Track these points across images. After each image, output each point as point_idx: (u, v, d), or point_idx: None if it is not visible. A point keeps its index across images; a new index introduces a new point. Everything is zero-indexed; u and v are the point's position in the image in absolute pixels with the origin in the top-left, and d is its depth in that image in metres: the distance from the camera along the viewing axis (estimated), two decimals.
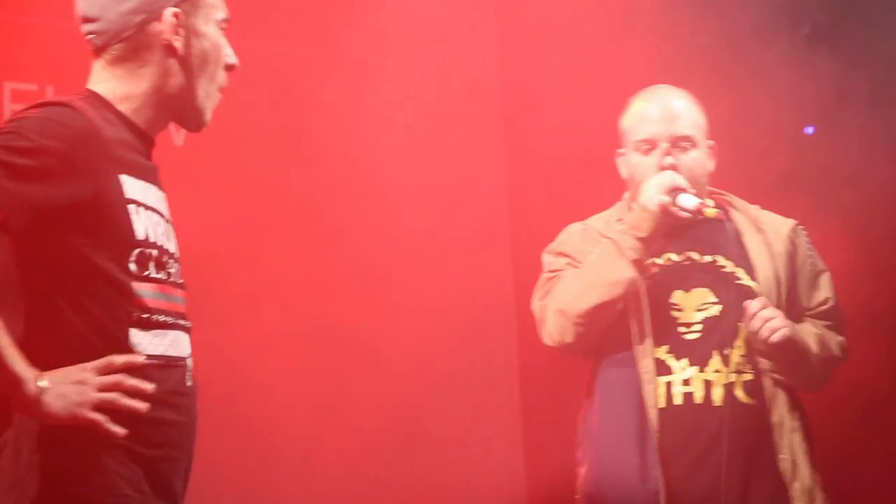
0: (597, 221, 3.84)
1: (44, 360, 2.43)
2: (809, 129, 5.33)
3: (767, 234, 3.76)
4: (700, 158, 3.74)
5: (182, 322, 2.62)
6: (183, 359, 2.60)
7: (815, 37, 5.26)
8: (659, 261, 3.72)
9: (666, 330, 3.66)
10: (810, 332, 3.72)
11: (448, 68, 5.81)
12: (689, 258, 3.73)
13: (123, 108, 2.61)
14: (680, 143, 3.72)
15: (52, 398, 2.40)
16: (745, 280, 3.69)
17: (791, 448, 3.63)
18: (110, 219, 2.50)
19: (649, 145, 3.73)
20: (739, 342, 3.65)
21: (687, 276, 3.71)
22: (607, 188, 3.95)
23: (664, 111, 3.74)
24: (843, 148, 5.15)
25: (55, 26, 4.72)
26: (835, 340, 3.77)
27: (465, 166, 5.76)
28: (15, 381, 2.38)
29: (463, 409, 5.64)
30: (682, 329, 3.67)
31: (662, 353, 3.66)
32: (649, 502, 3.57)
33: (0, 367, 2.36)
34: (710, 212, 3.61)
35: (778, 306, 3.66)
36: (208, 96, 2.68)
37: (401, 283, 5.50)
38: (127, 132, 2.60)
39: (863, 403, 4.98)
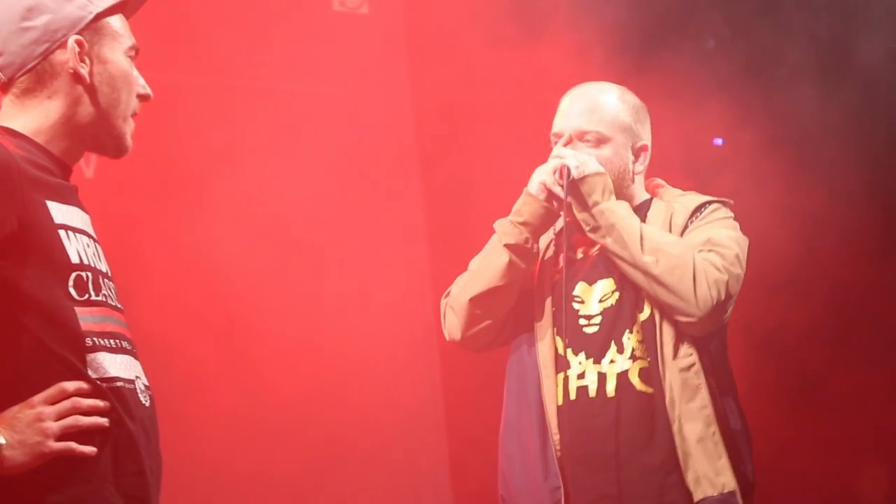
0: None
1: (8, 399, 2.42)
2: (718, 141, 5.42)
3: (674, 210, 3.69)
4: (610, 156, 3.66)
5: (126, 345, 2.58)
6: (133, 380, 2.56)
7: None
8: (578, 256, 3.70)
9: (568, 324, 3.61)
10: (666, 232, 3.58)
11: (360, 93, 5.83)
12: (601, 250, 3.67)
13: (38, 140, 2.59)
14: (584, 136, 3.66)
15: (12, 450, 2.39)
16: None
17: (682, 434, 3.51)
18: (43, 247, 2.47)
19: (556, 139, 3.70)
20: (636, 328, 3.59)
21: (594, 268, 3.67)
22: None
23: (572, 104, 3.71)
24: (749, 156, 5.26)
25: None
26: (709, 258, 3.52)
27: (381, 195, 5.78)
28: None
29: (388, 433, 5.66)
30: (582, 322, 3.63)
31: (562, 347, 3.62)
32: (552, 500, 3.54)
33: None
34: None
35: None
36: (125, 121, 2.66)
37: (321, 319, 5.49)
38: (44, 159, 2.57)
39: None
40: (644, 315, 3.61)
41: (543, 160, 3.69)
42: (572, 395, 3.58)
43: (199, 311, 5.22)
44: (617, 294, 3.63)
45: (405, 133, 5.99)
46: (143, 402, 2.57)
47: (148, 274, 4.99)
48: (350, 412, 5.55)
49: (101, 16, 2.62)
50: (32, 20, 2.58)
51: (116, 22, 2.66)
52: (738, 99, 5.42)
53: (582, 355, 3.61)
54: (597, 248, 3.68)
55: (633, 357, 3.58)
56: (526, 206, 3.65)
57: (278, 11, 5.65)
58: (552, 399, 3.59)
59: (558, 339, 3.64)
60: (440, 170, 5.78)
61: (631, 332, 3.59)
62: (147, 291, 4.87)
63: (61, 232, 2.51)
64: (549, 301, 3.67)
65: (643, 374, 3.57)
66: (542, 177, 3.63)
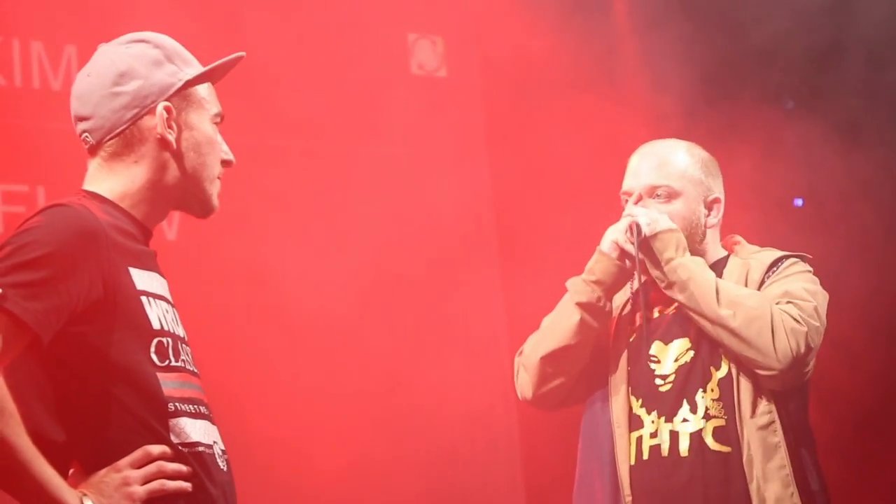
0: None
1: (93, 463, 2.46)
2: (798, 202, 5.39)
3: (751, 266, 3.65)
4: (682, 210, 3.65)
5: (204, 410, 2.61)
6: (211, 445, 2.59)
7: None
8: (654, 315, 3.68)
9: (643, 382, 3.61)
10: (742, 286, 3.55)
11: (437, 156, 5.87)
12: (677, 309, 3.65)
13: (123, 205, 2.63)
14: (655, 192, 3.65)
15: None
16: None
17: (760, 495, 3.45)
18: (126, 313, 2.51)
19: (627, 197, 3.71)
20: (711, 386, 3.55)
21: (670, 328, 3.65)
22: None
23: (642, 162, 3.70)
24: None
25: (44, 127, 4.78)
26: (787, 309, 3.48)
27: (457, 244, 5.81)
28: None
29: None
30: (658, 381, 3.60)
31: (637, 406, 3.60)
32: None
33: (46, 499, 2.37)
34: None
35: None
36: (211, 183, 2.70)
37: (398, 377, 5.51)
38: (129, 224, 2.62)
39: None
40: (721, 373, 3.57)
41: (618, 220, 3.70)
42: (645, 455, 3.56)
43: (277, 371, 5.26)
44: (692, 353, 3.60)
45: (482, 195, 6.02)
46: (222, 466, 2.60)
47: (224, 335, 5.03)
48: (428, 469, 5.55)
49: (189, 83, 2.68)
50: (124, 86, 2.63)
51: (203, 89, 2.71)
52: (817, 160, 5.39)
53: (654, 414, 3.58)
54: (673, 306, 3.66)
55: (706, 416, 3.54)
56: (598, 264, 3.65)
57: (357, 75, 5.71)
58: (625, 458, 3.58)
59: (633, 397, 3.62)
60: (516, 231, 5.80)
61: (704, 390, 3.56)
62: (222, 351, 4.91)
63: (143, 298, 2.55)
64: (623, 359, 3.66)
65: (718, 433, 3.53)
66: (614, 235, 3.63)
